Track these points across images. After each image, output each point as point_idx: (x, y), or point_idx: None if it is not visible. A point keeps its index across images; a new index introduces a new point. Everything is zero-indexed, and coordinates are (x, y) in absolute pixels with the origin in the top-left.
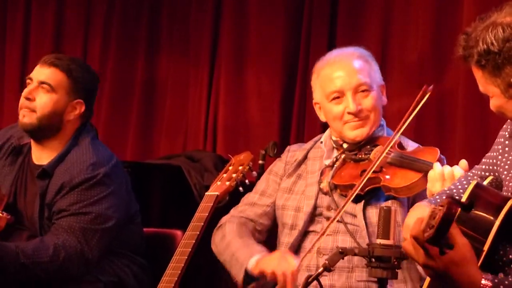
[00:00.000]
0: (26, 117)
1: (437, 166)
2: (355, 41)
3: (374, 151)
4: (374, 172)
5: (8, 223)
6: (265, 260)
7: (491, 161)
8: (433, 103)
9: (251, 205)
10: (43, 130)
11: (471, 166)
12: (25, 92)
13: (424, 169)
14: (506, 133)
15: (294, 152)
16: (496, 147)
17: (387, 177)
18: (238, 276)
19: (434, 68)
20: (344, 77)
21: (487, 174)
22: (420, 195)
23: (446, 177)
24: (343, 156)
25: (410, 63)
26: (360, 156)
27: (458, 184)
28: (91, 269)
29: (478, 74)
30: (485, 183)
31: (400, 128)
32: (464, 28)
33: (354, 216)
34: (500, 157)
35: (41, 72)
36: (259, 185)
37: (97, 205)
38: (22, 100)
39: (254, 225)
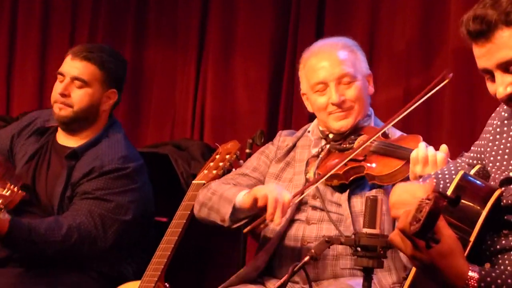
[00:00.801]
0: (62, 110)
1: (421, 146)
2: (343, 30)
3: (358, 140)
4: (357, 161)
5: (23, 199)
6: (259, 187)
7: (478, 149)
8: (420, 92)
9: (243, 175)
10: (80, 122)
11: (457, 155)
12: (59, 88)
13: (406, 156)
14: (494, 121)
15: (285, 137)
16: (484, 135)
17: (370, 165)
18: (227, 213)
19: (421, 57)
20: (327, 68)
21: (475, 162)
22: None
23: (430, 160)
24: (328, 146)
25: (398, 51)
26: (344, 145)
27: (446, 171)
28: (97, 256)
29: None
30: (472, 171)
31: (406, 109)
32: (452, 17)
33: (339, 205)
34: (486, 147)
35: (73, 67)
36: (251, 162)
37: (121, 196)
38: (57, 96)
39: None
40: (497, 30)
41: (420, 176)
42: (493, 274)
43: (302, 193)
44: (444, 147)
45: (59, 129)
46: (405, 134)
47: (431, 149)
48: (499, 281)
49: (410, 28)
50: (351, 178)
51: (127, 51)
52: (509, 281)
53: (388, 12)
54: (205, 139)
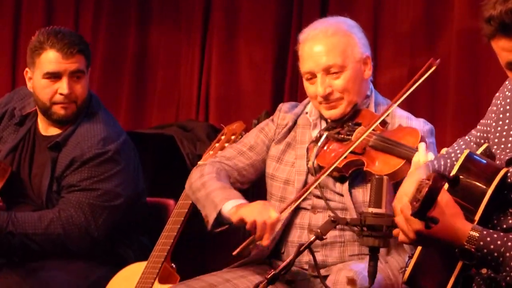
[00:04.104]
0: (68, 109)
1: (422, 150)
2: (347, 11)
3: (356, 132)
4: (356, 154)
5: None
6: (246, 208)
7: (485, 128)
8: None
9: (240, 154)
10: (79, 113)
11: (462, 135)
12: (64, 88)
13: (406, 156)
14: (498, 101)
15: (285, 114)
16: (490, 115)
17: (370, 162)
18: (210, 216)
19: (426, 37)
20: (314, 58)
21: (482, 141)
22: None
23: None
24: (325, 134)
25: (402, 32)
26: (342, 136)
27: (456, 147)
28: (94, 246)
29: None
30: (480, 150)
31: (395, 101)
32: None
33: (341, 195)
34: (491, 127)
35: (69, 63)
36: (248, 139)
37: (107, 182)
38: (57, 97)
39: (237, 175)
40: None
41: None
42: (495, 236)
43: (289, 206)
44: (444, 151)
45: (39, 116)
46: (403, 126)
47: (431, 156)
48: (499, 242)
49: (414, 8)
50: (350, 171)
51: (132, 33)
52: (509, 244)
53: None
54: (210, 120)
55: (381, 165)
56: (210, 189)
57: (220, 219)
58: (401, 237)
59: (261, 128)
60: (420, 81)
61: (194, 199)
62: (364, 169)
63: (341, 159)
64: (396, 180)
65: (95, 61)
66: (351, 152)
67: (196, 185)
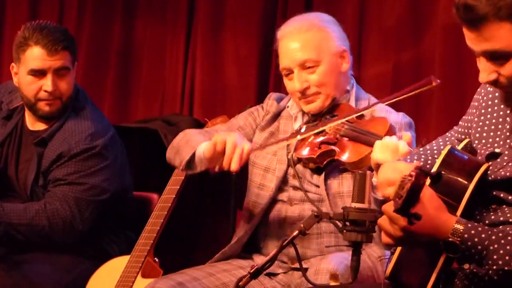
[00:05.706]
0: (53, 106)
1: (386, 137)
2: (332, 6)
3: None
4: (330, 144)
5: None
6: (219, 133)
7: (466, 124)
8: (409, 68)
9: (229, 130)
10: (65, 109)
11: (447, 131)
12: (48, 85)
13: (374, 143)
14: (480, 97)
15: (273, 101)
16: (471, 111)
17: (341, 151)
18: (184, 158)
19: (411, 33)
20: (289, 54)
21: (463, 137)
22: None
23: (390, 148)
24: (304, 127)
25: (388, 27)
26: (319, 128)
27: (434, 145)
28: (78, 240)
29: (501, 31)
30: (461, 145)
31: (382, 102)
32: None
33: (318, 186)
34: (472, 122)
35: (54, 60)
36: (237, 120)
37: (93, 177)
38: (41, 94)
39: None
40: (486, 22)
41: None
42: (480, 229)
43: (264, 148)
44: (407, 136)
45: (26, 110)
46: (376, 116)
47: (393, 138)
48: (483, 235)
49: (400, 3)
50: (325, 162)
51: (117, 25)
52: (493, 237)
53: None
54: (195, 114)
55: (350, 153)
56: (189, 137)
57: (195, 162)
58: (385, 239)
59: (250, 112)
60: (413, 92)
61: (173, 156)
62: (335, 158)
63: (306, 135)
64: (365, 167)
65: (80, 54)
66: (325, 143)
67: (177, 139)
